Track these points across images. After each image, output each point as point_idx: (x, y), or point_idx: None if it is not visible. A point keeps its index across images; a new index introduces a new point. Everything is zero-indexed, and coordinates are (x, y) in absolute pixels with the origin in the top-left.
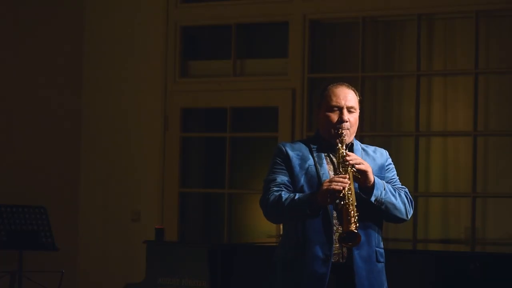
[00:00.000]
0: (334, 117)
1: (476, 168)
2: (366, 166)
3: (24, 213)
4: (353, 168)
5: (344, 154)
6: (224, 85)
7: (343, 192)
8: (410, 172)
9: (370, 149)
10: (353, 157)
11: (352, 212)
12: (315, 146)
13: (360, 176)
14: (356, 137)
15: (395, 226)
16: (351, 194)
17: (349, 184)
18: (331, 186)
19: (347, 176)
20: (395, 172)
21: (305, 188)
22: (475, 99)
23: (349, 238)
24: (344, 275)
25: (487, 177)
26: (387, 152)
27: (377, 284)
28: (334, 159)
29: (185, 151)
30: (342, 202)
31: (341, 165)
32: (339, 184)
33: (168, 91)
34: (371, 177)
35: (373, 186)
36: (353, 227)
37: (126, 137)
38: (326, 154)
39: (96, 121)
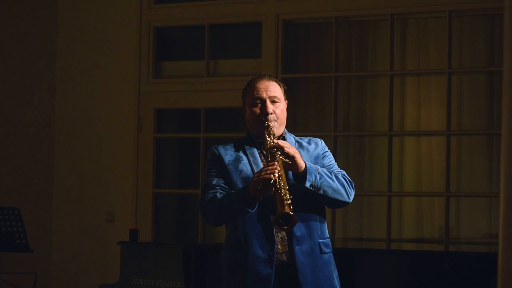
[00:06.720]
0: (258, 110)
1: (450, 168)
2: (293, 150)
3: None
4: (281, 155)
5: (270, 141)
6: (198, 86)
7: (273, 179)
8: (384, 172)
9: (304, 140)
10: (280, 142)
11: (285, 196)
12: (247, 145)
13: (290, 162)
14: (330, 137)
15: (369, 226)
16: (281, 179)
17: (279, 170)
18: (261, 176)
19: (276, 163)
20: (332, 158)
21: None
22: (448, 98)
23: (284, 222)
24: (288, 273)
25: (461, 176)
26: (322, 141)
27: (323, 276)
28: None
29: (159, 152)
30: (273, 189)
31: (269, 154)
32: (268, 172)
33: (142, 92)
34: (301, 162)
35: (305, 171)
36: (287, 209)
37: (100, 138)
38: (259, 151)
39: (69, 122)
